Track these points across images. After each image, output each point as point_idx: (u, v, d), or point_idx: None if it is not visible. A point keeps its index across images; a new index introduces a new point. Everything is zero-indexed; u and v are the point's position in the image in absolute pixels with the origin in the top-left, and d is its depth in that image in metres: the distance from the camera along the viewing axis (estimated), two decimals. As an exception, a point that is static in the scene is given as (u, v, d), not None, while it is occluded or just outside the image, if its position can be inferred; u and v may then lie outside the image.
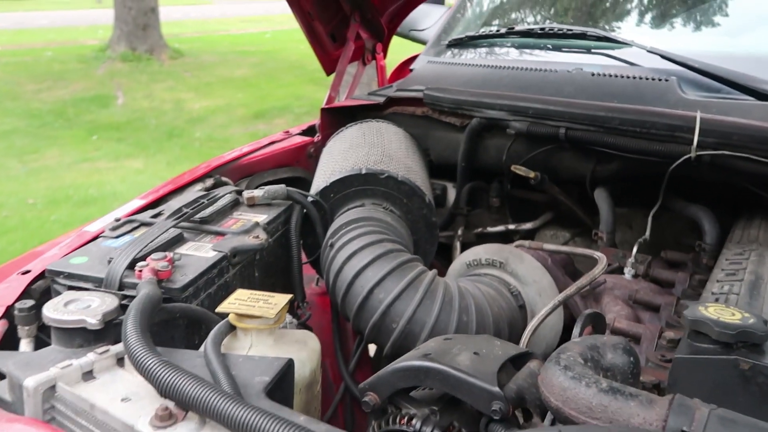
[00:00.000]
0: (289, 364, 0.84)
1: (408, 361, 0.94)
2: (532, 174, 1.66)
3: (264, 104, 9.10)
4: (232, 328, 0.94)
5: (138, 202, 1.42)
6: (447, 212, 1.94)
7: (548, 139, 1.61)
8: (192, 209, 1.26)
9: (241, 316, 0.92)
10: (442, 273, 1.61)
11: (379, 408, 0.96)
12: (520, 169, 1.68)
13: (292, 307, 1.44)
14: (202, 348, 0.87)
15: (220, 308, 0.93)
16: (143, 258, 1.05)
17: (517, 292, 1.32)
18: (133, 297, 0.94)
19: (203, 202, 1.31)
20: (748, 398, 0.75)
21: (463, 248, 1.74)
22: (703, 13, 1.97)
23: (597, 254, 1.34)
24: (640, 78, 1.58)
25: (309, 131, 2.00)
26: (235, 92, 10.11)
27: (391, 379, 0.95)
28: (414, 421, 0.92)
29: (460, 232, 1.82)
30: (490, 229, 1.83)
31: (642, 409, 0.69)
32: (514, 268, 1.34)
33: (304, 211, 1.46)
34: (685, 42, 1.85)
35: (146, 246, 1.10)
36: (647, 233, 1.53)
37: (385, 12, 2.06)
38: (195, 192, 1.46)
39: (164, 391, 0.71)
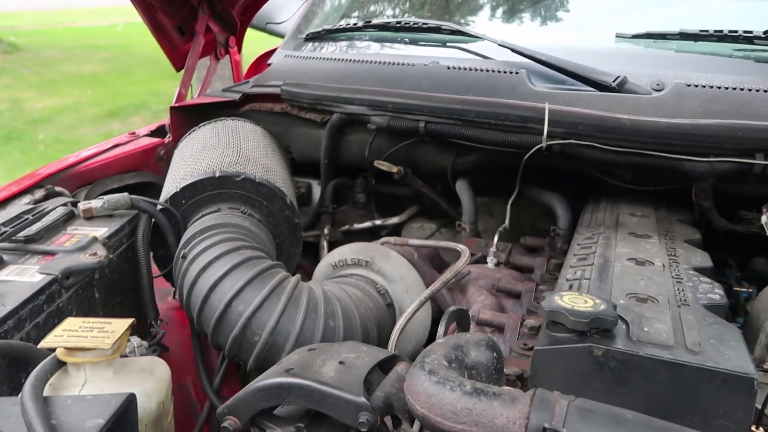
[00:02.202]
0: (130, 400, 0.74)
1: (269, 378, 0.88)
2: (395, 169, 1.64)
3: (118, 102, 8.50)
4: (61, 365, 0.81)
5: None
6: (313, 211, 1.88)
7: (409, 133, 1.60)
8: (13, 227, 1.10)
9: (71, 349, 0.80)
10: (310, 273, 1.55)
11: (241, 432, 0.89)
12: (382, 164, 1.66)
13: (144, 328, 1.32)
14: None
15: (44, 343, 0.80)
16: (-52, 290, 0.89)
17: (384, 291, 1.29)
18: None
19: (28, 218, 1.14)
20: (603, 383, 0.77)
21: (331, 246, 1.69)
22: (548, 8, 2.06)
23: (460, 247, 1.35)
24: (493, 71, 1.62)
25: (159, 132, 1.85)
26: (83, 89, 9.36)
27: (252, 399, 0.87)
28: (279, 443, 0.86)
29: (326, 230, 1.77)
30: (356, 226, 1.80)
31: (505, 408, 0.68)
32: (381, 267, 1.31)
33: (153, 220, 1.33)
34: (534, 36, 1.92)
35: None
36: (507, 221, 1.57)
37: (236, 3, 1.95)
38: (20, 206, 1.28)
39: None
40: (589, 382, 0.78)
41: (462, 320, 0.96)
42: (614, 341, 0.78)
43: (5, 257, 1.06)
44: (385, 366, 0.92)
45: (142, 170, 1.71)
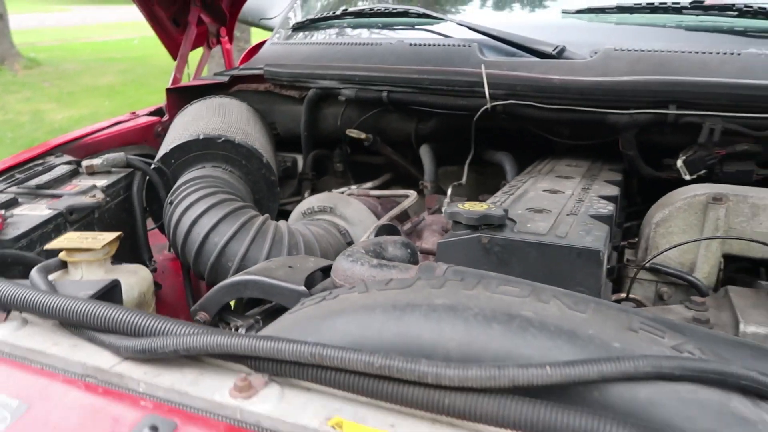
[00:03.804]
0: (114, 284, 0.94)
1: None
2: (363, 136, 1.84)
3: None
4: (63, 265, 1.02)
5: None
6: (296, 181, 2.08)
7: (374, 102, 1.80)
8: (25, 176, 1.31)
9: (70, 250, 1.01)
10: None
11: (210, 324, 1.09)
12: (353, 132, 1.85)
13: (142, 262, 1.52)
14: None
15: (49, 245, 1.01)
16: (-27, 216, 1.10)
17: (345, 231, 1.49)
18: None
19: (38, 170, 1.36)
20: (490, 265, 0.96)
21: (310, 211, 1.89)
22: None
23: (409, 192, 1.54)
24: (449, 45, 1.81)
25: (157, 112, 2.07)
26: (101, 101, 9.68)
27: (217, 296, 1.08)
28: (240, 330, 1.06)
29: (306, 195, 1.96)
30: (334, 191, 1.99)
31: (400, 274, 0.87)
32: (343, 212, 1.51)
33: (147, 179, 1.54)
34: (492, 16, 2.12)
35: (-24, 205, 1.15)
36: (464, 179, 1.76)
37: (225, -4, 2.17)
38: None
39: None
40: (480, 266, 0.96)
41: (393, 234, 1.15)
42: (499, 232, 0.96)
43: (21, 199, 1.28)
44: (328, 271, 1.11)
45: (141, 144, 1.93)
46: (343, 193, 1.69)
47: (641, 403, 0.57)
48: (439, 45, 1.84)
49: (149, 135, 1.97)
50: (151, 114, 2.05)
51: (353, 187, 1.72)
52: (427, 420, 0.61)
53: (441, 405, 0.58)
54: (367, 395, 0.62)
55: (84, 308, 0.72)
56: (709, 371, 0.57)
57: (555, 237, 0.94)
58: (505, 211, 1.00)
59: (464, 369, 0.58)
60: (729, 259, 1.14)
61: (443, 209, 1.01)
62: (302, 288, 1.00)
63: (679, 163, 1.46)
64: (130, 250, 1.49)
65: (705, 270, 1.06)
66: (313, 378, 0.63)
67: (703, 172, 1.45)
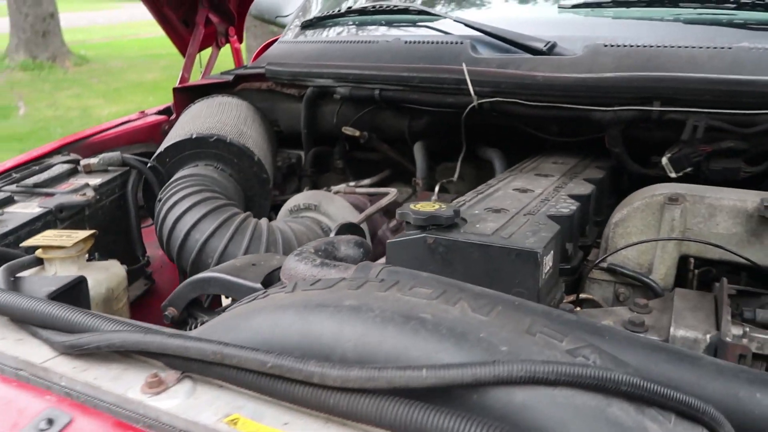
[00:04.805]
0: (80, 280, 1.00)
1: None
2: (357, 133, 1.87)
3: (175, 105, 9.01)
4: (38, 261, 1.09)
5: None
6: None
7: (368, 100, 1.82)
8: (21, 175, 1.39)
9: (45, 248, 1.07)
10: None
11: (179, 320, 1.14)
12: (348, 130, 1.88)
13: (135, 262, 1.59)
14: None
15: (26, 243, 1.08)
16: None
17: (327, 229, 1.52)
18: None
19: (35, 169, 1.44)
20: (435, 265, 0.97)
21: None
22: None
23: (390, 190, 1.56)
24: (441, 42, 1.82)
25: (166, 111, 2.14)
26: (145, 96, 9.95)
27: (184, 292, 1.13)
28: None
29: (305, 191, 2.00)
30: (332, 188, 2.02)
31: (339, 273, 0.90)
32: (326, 209, 1.54)
33: (144, 177, 1.61)
34: (491, 12, 2.11)
35: (-32, 204, 1.23)
36: (455, 175, 1.77)
37: (233, -4, 2.22)
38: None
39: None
40: (425, 266, 0.97)
41: (355, 233, 1.17)
42: (445, 233, 0.98)
43: (16, 197, 1.36)
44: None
45: (148, 143, 2.01)
46: (330, 190, 1.72)
47: (516, 407, 0.58)
48: (432, 42, 1.85)
49: (156, 134, 2.04)
50: (159, 113, 2.12)
51: (345, 185, 1.75)
52: (322, 419, 0.64)
53: (327, 405, 0.61)
54: (264, 393, 0.65)
55: (25, 305, 0.77)
56: (585, 377, 0.58)
57: (498, 238, 0.95)
58: (456, 211, 1.01)
59: (346, 370, 0.60)
60: (702, 261, 1.12)
61: (396, 210, 1.03)
62: (258, 285, 1.04)
63: (664, 160, 1.43)
64: (125, 248, 1.56)
65: (661, 271, 1.05)
66: (218, 376, 0.67)
67: (689, 169, 1.42)
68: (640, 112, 1.44)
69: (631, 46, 1.55)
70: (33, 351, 0.75)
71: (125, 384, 0.68)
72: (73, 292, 0.99)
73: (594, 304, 1.09)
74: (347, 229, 1.15)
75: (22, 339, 0.79)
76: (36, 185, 1.41)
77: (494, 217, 1.06)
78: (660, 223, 1.06)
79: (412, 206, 1.03)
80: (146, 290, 1.59)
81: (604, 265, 1.10)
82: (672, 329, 0.84)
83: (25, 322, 0.79)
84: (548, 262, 0.94)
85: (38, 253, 1.08)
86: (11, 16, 10.66)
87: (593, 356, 0.65)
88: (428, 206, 1.03)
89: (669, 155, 1.42)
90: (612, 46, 1.57)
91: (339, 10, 2.31)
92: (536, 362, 0.58)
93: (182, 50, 2.31)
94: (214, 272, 1.09)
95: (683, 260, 1.10)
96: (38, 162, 1.55)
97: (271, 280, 1.08)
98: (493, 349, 0.62)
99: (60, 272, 1.09)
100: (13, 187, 1.38)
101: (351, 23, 2.33)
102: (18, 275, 1.00)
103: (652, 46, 1.54)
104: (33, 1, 10.53)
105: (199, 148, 1.64)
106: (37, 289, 0.95)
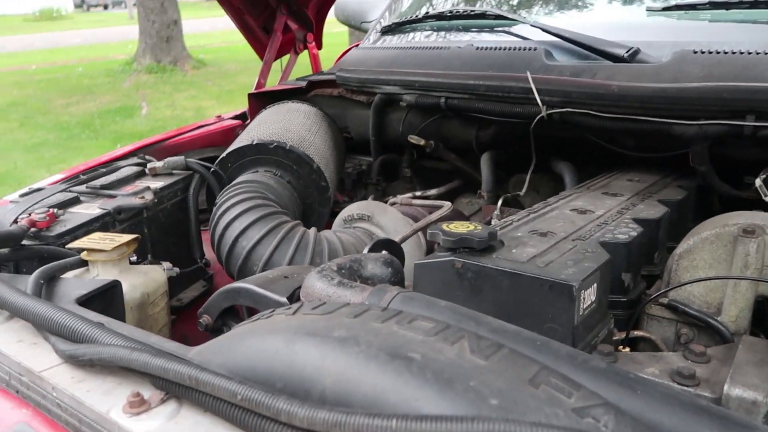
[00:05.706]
0: (113, 285, 1.02)
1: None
2: (423, 142, 1.80)
3: (284, 108, 9.35)
4: (84, 264, 1.12)
5: (58, 177, 1.62)
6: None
7: (434, 108, 1.75)
8: (87, 176, 1.45)
9: (89, 250, 1.10)
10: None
11: (213, 328, 1.14)
12: (414, 138, 1.83)
13: (194, 263, 1.62)
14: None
15: (72, 244, 1.12)
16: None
17: (378, 241, 1.47)
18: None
19: (101, 171, 1.50)
20: (463, 291, 0.89)
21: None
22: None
23: (445, 203, 1.49)
24: (513, 49, 1.71)
25: (241, 116, 2.19)
26: (253, 98, 10.40)
27: (217, 300, 1.12)
28: (233, 336, 1.09)
29: (370, 200, 1.97)
30: (399, 197, 1.97)
31: (354, 295, 0.85)
32: (379, 220, 1.50)
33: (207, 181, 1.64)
34: (573, 16, 1.97)
35: (35, 204, 1.29)
36: (524, 189, 1.67)
37: (310, 2, 2.23)
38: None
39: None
40: (453, 290, 0.90)
41: (391, 249, 1.12)
42: (476, 258, 0.90)
43: (83, 198, 1.42)
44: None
45: (221, 146, 2.05)
46: (388, 200, 1.68)
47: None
48: (505, 49, 1.75)
49: (230, 138, 2.08)
50: (235, 117, 2.17)
51: (411, 194, 1.70)
52: (295, 456, 0.59)
53: (293, 445, 0.56)
54: (236, 425, 0.61)
55: (38, 310, 0.78)
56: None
57: (532, 266, 0.86)
58: (492, 233, 0.93)
59: (314, 411, 0.55)
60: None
61: (428, 230, 0.97)
62: (283, 299, 1.01)
63: (758, 182, 1.26)
64: (185, 249, 1.60)
65: (732, 313, 0.91)
66: (196, 401, 0.64)
67: (788, 193, 1.24)
68: (729, 127, 1.27)
69: (725, 53, 1.38)
70: (39, 357, 0.76)
71: (112, 400, 0.67)
72: (107, 296, 1.01)
73: (652, 345, 0.96)
74: (383, 245, 1.10)
75: (37, 343, 0.80)
76: (103, 186, 1.47)
77: (537, 241, 0.97)
78: (732, 257, 0.92)
79: (444, 226, 0.96)
80: (204, 291, 1.62)
81: (665, 300, 0.97)
82: (726, 387, 0.72)
83: (40, 327, 0.80)
84: (589, 296, 0.84)
85: (83, 255, 1.11)
86: (140, 24, 11.54)
87: (605, 418, 0.56)
88: (462, 227, 0.96)
89: (764, 176, 1.25)
90: (703, 53, 1.40)
91: (418, 15, 2.26)
92: (522, 423, 0.50)
93: (263, 57, 2.35)
94: (244, 283, 1.08)
95: (763, 302, 0.95)
96: (110, 164, 1.62)
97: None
98: (480, 402, 0.55)
99: (101, 274, 1.12)
100: (82, 188, 1.44)
101: (428, 28, 2.27)
102: (61, 276, 1.03)
103: (750, 53, 1.36)
104: (159, 10, 11.32)
105: (259, 154, 1.65)
106: (69, 292, 0.97)
